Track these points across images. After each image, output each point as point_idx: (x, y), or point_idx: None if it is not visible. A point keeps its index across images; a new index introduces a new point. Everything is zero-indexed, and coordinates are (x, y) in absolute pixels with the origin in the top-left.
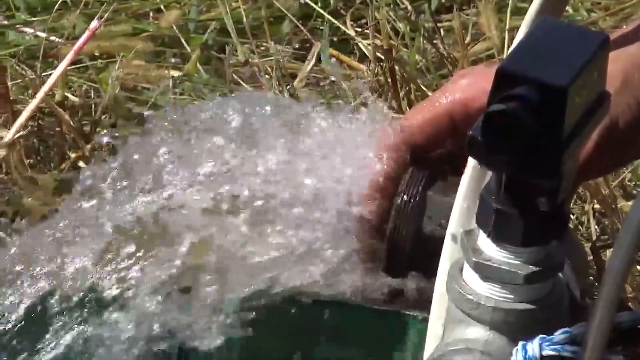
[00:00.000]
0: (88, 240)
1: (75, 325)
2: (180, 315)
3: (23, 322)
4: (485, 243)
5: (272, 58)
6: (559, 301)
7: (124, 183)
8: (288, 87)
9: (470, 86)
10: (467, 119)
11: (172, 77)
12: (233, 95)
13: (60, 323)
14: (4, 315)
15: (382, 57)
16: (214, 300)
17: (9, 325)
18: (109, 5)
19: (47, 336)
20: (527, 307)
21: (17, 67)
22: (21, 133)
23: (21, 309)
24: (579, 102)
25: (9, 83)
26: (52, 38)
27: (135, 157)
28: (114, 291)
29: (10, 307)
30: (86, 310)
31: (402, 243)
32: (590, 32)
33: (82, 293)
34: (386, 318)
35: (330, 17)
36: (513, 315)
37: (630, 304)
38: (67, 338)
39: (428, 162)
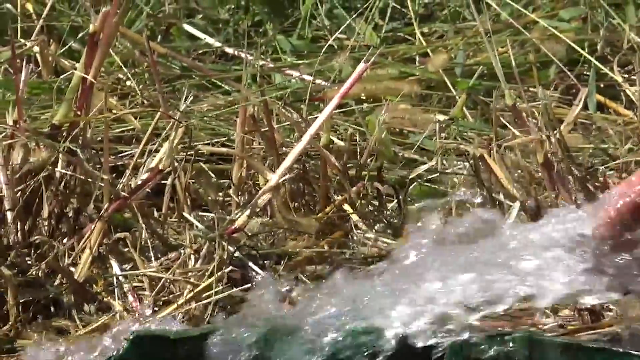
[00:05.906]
0: None
1: None
2: None
3: None
4: None
5: (539, 103)
6: None
7: None
8: (555, 132)
9: None
10: None
11: (438, 120)
12: None
13: None
14: None
15: None
16: None
17: None
18: (375, 49)
19: None
20: None
21: (284, 110)
22: (287, 176)
23: None
24: None
25: (276, 126)
26: (318, 81)
27: None
28: None
29: None
30: None
31: None
32: None
33: None
34: None
35: (597, 63)
36: None
37: None
38: None
39: None
